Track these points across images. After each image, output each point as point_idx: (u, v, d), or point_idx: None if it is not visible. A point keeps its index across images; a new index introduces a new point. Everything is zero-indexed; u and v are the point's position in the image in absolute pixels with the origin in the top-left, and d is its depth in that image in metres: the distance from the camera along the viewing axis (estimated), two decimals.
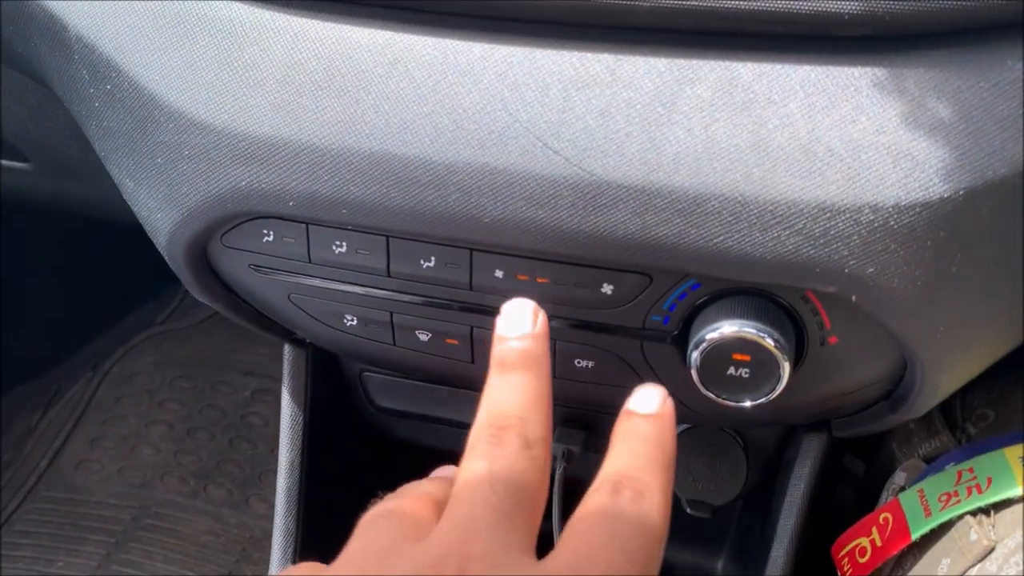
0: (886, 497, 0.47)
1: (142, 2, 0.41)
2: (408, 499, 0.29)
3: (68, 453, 1.09)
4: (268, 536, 0.56)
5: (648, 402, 0.32)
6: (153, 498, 1.03)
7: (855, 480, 0.65)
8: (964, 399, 0.48)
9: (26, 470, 1.07)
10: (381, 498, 0.30)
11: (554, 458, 0.51)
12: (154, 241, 0.45)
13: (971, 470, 0.42)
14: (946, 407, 0.49)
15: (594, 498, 0.29)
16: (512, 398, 0.31)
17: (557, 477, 0.50)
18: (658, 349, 0.42)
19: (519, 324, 0.33)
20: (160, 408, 1.12)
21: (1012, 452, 0.41)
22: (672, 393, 0.43)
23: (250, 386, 1.12)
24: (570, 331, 0.42)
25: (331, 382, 0.57)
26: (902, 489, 0.46)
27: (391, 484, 0.32)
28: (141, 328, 1.19)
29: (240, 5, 0.39)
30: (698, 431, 0.52)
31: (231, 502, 1.03)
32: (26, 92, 0.55)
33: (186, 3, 0.40)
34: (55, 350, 1.18)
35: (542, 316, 0.34)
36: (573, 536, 0.27)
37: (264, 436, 1.07)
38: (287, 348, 0.54)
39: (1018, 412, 0.45)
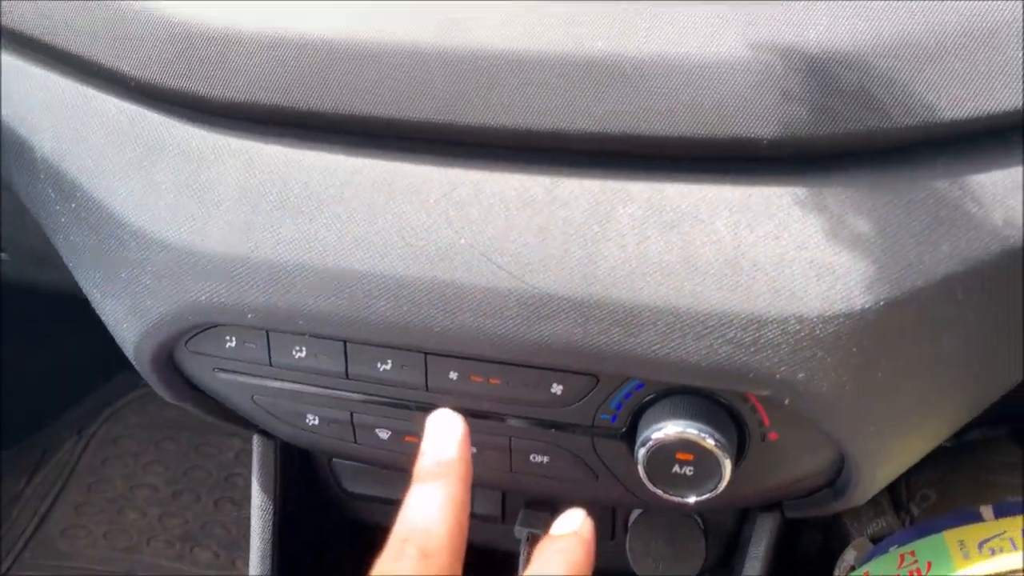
0: (838, 575, 0.48)
1: (104, 127, 0.42)
2: None
3: (54, 518, 1.10)
4: None
5: (567, 524, 0.34)
6: (139, 562, 1.04)
7: (823, 523, 0.66)
8: (909, 479, 0.50)
9: (13, 536, 1.08)
10: None
11: (518, 541, 0.53)
12: (123, 349, 0.47)
13: (912, 553, 0.43)
14: (892, 486, 0.50)
15: None
16: (420, 510, 0.33)
17: (521, 561, 0.51)
18: (609, 445, 0.43)
19: (435, 437, 0.36)
20: (145, 471, 1.13)
21: (951, 535, 0.43)
22: (624, 485, 0.44)
23: (234, 447, 1.13)
24: (524, 429, 0.44)
25: (301, 469, 0.58)
26: (852, 568, 0.47)
27: (364, 568, 0.34)
28: (125, 391, 1.20)
29: (197, 130, 0.41)
30: (657, 511, 0.53)
31: (217, 565, 1.03)
32: None
33: (146, 128, 0.42)
34: (40, 414, 1.18)
35: (459, 426, 0.36)
36: None
37: (248, 497, 1.08)
38: (256, 439, 0.55)
39: (959, 493, 0.47)
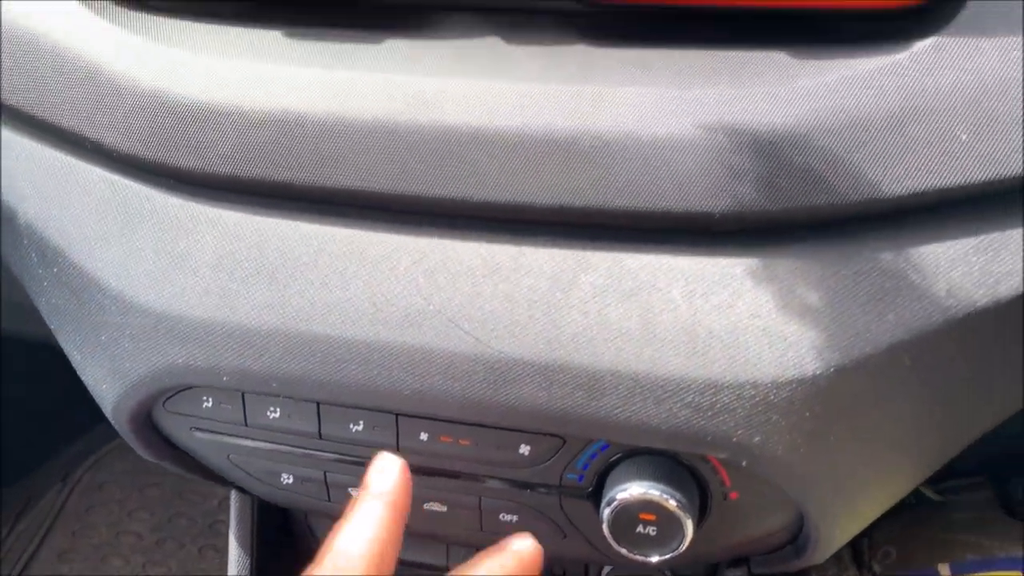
0: None
1: (87, 195, 0.44)
2: None
3: (37, 565, 1.09)
4: None
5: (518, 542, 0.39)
6: None
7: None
8: (871, 536, 0.50)
9: None
10: None
11: None
12: (102, 409, 0.48)
13: None
14: (854, 543, 0.51)
15: None
16: (347, 537, 0.36)
17: None
18: (576, 504, 0.44)
19: (374, 473, 0.39)
20: (130, 517, 1.13)
21: None
22: (591, 544, 0.45)
23: (218, 494, 1.13)
24: (493, 488, 0.45)
25: (279, 522, 0.59)
26: None
27: None
28: (110, 437, 1.20)
29: (176, 200, 0.43)
30: (627, 567, 0.54)
31: None
32: None
33: (127, 198, 0.43)
34: (25, 460, 1.18)
35: (397, 464, 0.39)
36: None
37: None
38: (233, 495, 0.56)
39: (919, 551, 0.47)
